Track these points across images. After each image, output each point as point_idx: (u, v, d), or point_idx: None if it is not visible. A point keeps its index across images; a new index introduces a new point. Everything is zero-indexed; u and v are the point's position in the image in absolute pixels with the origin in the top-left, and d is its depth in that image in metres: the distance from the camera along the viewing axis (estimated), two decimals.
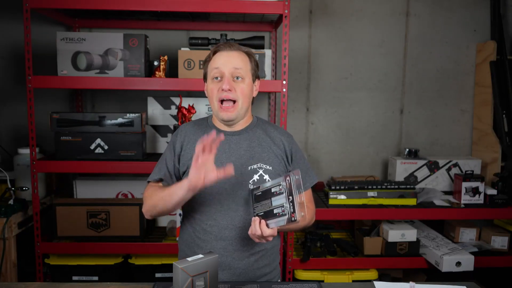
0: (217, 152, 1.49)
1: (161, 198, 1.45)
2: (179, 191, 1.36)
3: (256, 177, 1.49)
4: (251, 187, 1.47)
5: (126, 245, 2.34)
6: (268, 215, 1.31)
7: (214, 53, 1.51)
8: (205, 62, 1.54)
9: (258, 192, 1.38)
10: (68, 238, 2.37)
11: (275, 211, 1.29)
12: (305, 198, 1.59)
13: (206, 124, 1.60)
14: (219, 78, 1.48)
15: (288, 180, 1.27)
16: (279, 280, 1.64)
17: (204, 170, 1.28)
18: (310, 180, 1.63)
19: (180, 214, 2.41)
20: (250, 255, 1.50)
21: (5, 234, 2.17)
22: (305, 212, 1.24)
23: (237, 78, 1.47)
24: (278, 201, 1.29)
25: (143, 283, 1.49)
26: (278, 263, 1.64)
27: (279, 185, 1.30)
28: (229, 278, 1.49)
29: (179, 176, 1.56)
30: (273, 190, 1.32)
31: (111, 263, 2.38)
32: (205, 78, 1.55)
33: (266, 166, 1.51)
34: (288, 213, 1.25)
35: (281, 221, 1.26)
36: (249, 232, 1.35)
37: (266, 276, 1.55)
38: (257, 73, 1.56)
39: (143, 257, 2.42)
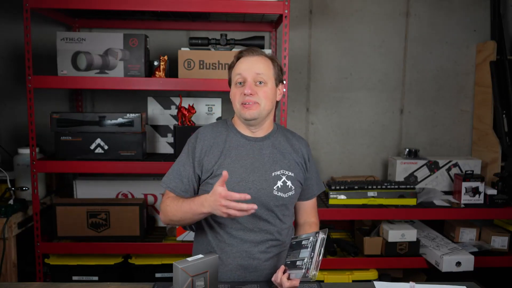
0: (241, 158, 1.51)
1: (180, 218, 1.46)
2: (200, 215, 1.41)
3: (279, 183, 1.51)
4: (275, 193, 1.50)
5: (126, 245, 2.34)
6: (292, 265, 1.34)
7: (238, 59, 1.53)
8: (230, 68, 1.56)
9: (293, 241, 1.41)
10: (68, 238, 2.37)
11: (297, 262, 1.32)
12: (311, 206, 1.67)
13: (226, 127, 1.58)
14: (242, 83, 1.49)
15: (317, 236, 1.30)
16: None
17: (227, 208, 1.29)
18: (319, 188, 1.68)
19: None
20: (274, 256, 1.53)
21: (5, 234, 2.17)
22: (317, 271, 1.26)
23: (260, 83, 1.48)
24: (304, 254, 1.32)
25: (143, 283, 1.49)
26: None
27: (309, 239, 1.33)
28: (257, 279, 1.52)
29: (198, 181, 1.55)
30: (303, 242, 1.35)
31: (111, 263, 2.37)
32: (229, 83, 1.58)
33: (288, 173, 1.53)
34: (305, 268, 1.28)
35: (299, 274, 1.30)
36: (272, 279, 1.38)
37: None
38: (280, 78, 1.57)
39: (143, 257, 2.42)
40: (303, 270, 1.27)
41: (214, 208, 1.32)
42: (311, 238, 1.32)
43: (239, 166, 1.50)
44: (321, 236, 1.29)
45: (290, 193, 1.53)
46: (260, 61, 1.50)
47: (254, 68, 1.48)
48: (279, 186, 1.51)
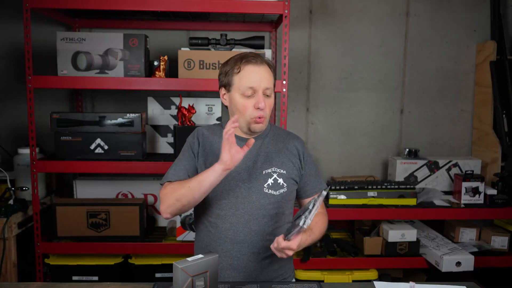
0: None
1: (188, 188, 1.41)
2: (211, 176, 1.37)
3: (270, 181, 1.51)
4: (266, 190, 1.50)
5: (126, 245, 2.34)
6: (292, 227, 1.33)
7: (243, 65, 1.48)
8: (231, 73, 1.50)
9: (296, 216, 1.39)
10: (68, 238, 2.37)
11: (296, 221, 1.31)
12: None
13: (220, 129, 1.59)
14: (251, 95, 1.48)
15: (318, 195, 1.30)
16: (293, 280, 1.67)
17: (233, 150, 1.33)
18: (320, 186, 1.63)
19: (180, 215, 2.41)
20: (265, 257, 1.52)
21: (5, 234, 2.17)
22: (311, 221, 1.25)
23: (267, 96, 1.50)
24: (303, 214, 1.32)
25: (143, 283, 1.49)
26: (292, 263, 1.67)
27: (310, 202, 1.32)
28: (244, 280, 1.51)
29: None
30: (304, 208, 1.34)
31: (111, 263, 2.38)
32: (226, 86, 1.53)
33: (280, 170, 1.53)
34: (302, 222, 1.27)
35: (296, 231, 1.29)
36: (271, 246, 1.36)
37: (280, 276, 1.58)
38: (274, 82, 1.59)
39: (143, 257, 2.42)
40: (300, 226, 1.26)
41: (225, 156, 1.33)
42: (312, 201, 1.31)
43: None
44: (323, 193, 1.29)
45: (281, 191, 1.52)
46: (267, 71, 1.50)
47: (264, 81, 1.48)
48: (270, 184, 1.50)
